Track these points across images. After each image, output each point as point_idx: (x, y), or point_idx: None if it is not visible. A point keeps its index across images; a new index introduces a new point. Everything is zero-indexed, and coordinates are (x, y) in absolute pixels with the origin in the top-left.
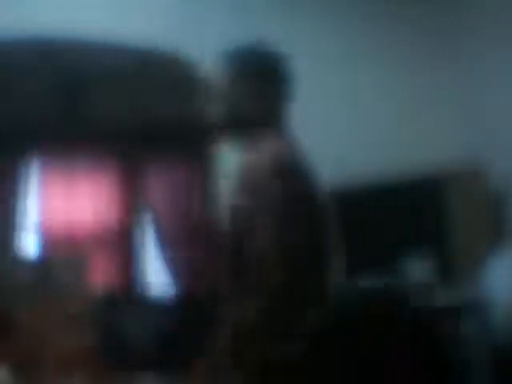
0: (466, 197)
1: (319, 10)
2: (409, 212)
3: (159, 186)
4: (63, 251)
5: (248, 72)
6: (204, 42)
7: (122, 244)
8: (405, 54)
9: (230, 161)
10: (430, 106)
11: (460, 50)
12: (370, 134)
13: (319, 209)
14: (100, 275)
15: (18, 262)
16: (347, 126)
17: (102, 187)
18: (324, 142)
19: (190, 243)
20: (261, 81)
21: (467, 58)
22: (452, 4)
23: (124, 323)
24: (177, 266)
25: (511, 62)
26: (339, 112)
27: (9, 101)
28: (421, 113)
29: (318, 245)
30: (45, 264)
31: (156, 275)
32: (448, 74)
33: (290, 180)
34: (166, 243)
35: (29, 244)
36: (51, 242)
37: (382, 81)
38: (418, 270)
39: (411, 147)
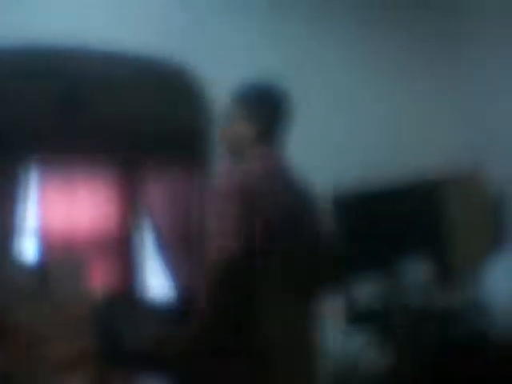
0: (464, 199)
1: (317, 16)
2: (407, 214)
3: (158, 191)
4: (62, 256)
5: (247, 102)
6: (205, 51)
7: (120, 249)
8: (405, 58)
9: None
10: (430, 109)
11: (460, 53)
12: (369, 137)
13: (309, 221)
14: (99, 280)
15: (16, 267)
16: (346, 130)
17: (100, 193)
18: (323, 145)
19: (188, 248)
20: (257, 108)
21: (467, 62)
22: (452, 9)
23: (123, 327)
24: (176, 270)
25: (511, 66)
26: (338, 115)
27: (9, 108)
28: (420, 116)
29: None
30: (43, 269)
31: (155, 279)
32: (448, 78)
33: (275, 193)
34: (165, 248)
35: (28, 249)
36: (50, 248)
37: (381, 84)
38: (416, 272)
39: (410, 150)
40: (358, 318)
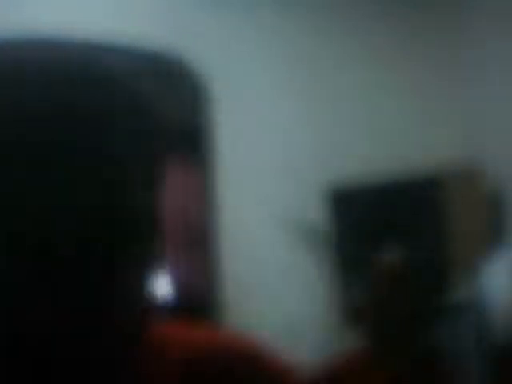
0: (465, 197)
1: (317, 12)
2: (407, 212)
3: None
4: None
5: None
6: (206, 45)
7: None
8: (405, 53)
9: None
10: (429, 105)
11: (460, 49)
12: (369, 133)
13: None
14: None
15: None
16: (346, 126)
17: None
18: (323, 142)
19: (188, 245)
20: None
21: (467, 58)
22: (452, 3)
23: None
24: (173, 266)
25: (511, 63)
26: (339, 112)
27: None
28: (420, 112)
29: None
30: None
31: (155, 279)
32: (448, 74)
33: None
34: (165, 247)
35: None
36: None
37: (380, 80)
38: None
39: (410, 147)
40: (358, 316)
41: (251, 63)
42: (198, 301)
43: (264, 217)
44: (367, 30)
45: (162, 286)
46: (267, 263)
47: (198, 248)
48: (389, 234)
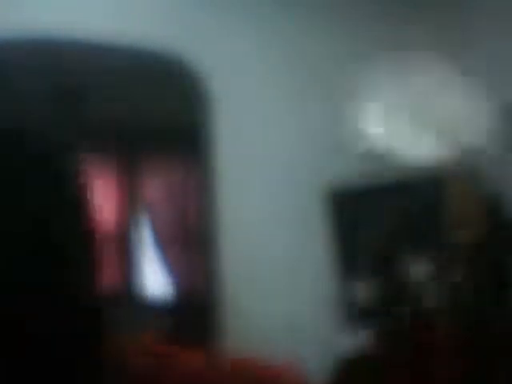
0: (465, 197)
1: (322, 10)
2: (408, 212)
3: (157, 186)
4: None
5: None
6: (206, 45)
7: (118, 246)
8: (404, 52)
9: None
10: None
11: (460, 47)
12: (369, 133)
13: None
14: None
15: None
16: (346, 126)
17: (99, 188)
18: (322, 142)
19: (186, 245)
20: None
21: (467, 58)
22: (452, 3)
23: (121, 324)
24: (173, 267)
25: (510, 63)
26: (339, 112)
27: (7, 102)
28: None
29: None
30: None
31: (153, 276)
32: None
33: None
34: (163, 245)
35: None
36: None
37: (381, 79)
38: (417, 270)
39: (410, 147)
40: (359, 315)
41: (251, 63)
42: (198, 301)
43: (264, 217)
44: (367, 30)
45: (162, 286)
46: (267, 263)
47: (198, 248)
48: (389, 234)
